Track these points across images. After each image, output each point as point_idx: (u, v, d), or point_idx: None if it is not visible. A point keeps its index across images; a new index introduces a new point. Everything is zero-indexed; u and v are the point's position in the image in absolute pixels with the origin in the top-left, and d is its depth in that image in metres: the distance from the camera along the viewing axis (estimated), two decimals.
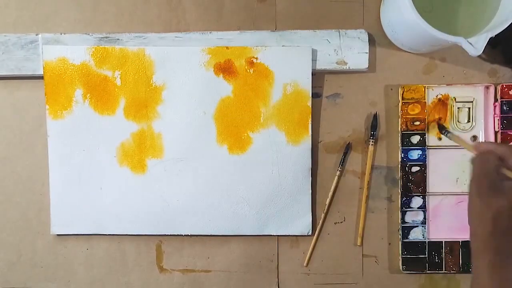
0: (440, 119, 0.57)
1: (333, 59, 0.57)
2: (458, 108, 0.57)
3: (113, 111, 0.57)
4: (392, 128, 0.58)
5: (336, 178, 0.58)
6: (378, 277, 0.58)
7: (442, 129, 0.56)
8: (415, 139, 0.57)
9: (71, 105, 0.56)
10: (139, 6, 0.58)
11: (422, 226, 0.57)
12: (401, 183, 0.57)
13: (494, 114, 0.57)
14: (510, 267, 0.41)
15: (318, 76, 0.58)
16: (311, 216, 0.58)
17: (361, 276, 0.59)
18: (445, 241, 0.57)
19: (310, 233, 0.58)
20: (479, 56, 0.57)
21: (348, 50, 0.57)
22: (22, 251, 0.59)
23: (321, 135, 0.58)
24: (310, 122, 0.57)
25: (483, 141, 0.45)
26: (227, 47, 0.56)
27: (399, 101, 0.57)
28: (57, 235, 0.59)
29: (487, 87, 0.57)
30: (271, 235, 0.58)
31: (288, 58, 0.56)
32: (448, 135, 0.55)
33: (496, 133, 0.57)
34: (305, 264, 0.59)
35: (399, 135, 0.57)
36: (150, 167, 0.57)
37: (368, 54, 0.57)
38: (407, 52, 0.58)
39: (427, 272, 0.57)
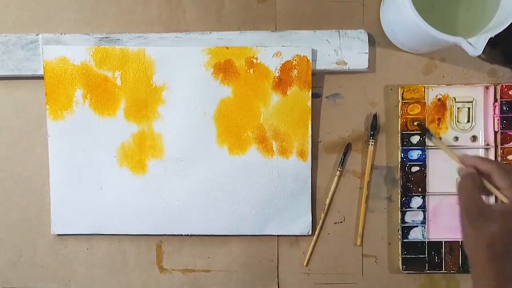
0: (424, 120, 0.56)
1: (333, 59, 0.57)
2: (458, 108, 0.57)
3: (113, 111, 0.57)
4: (392, 128, 0.58)
5: (336, 178, 0.58)
6: (378, 277, 0.59)
7: (427, 132, 0.56)
8: (415, 139, 0.57)
9: (71, 105, 0.57)
10: (139, 6, 0.58)
11: (422, 226, 0.57)
12: (401, 183, 0.57)
13: (494, 114, 0.57)
14: None
15: (318, 76, 0.58)
16: (311, 216, 0.58)
17: (361, 276, 0.59)
18: (444, 241, 0.57)
19: (310, 233, 0.58)
20: (479, 56, 0.57)
21: (348, 50, 0.57)
22: (22, 251, 0.59)
23: (321, 135, 0.58)
24: (310, 122, 0.57)
25: (469, 154, 0.47)
26: (227, 47, 0.56)
27: (399, 101, 0.57)
28: (57, 235, 0.59)
29: (486, 87, 0.57)
30: (271, 235, 0.58)
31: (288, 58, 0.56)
32: (433, 139, 0.54)
33: (495, 133, 0.57)
34: (305, 264, 0.59)
35: (399, 135, 0.57)
36: (150, 167, 0.57)
37: (368, 54, 0.57)
38: (407, 52, 0.58)
39: (427, 272, 0.57)
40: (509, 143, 0.56)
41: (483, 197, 0.44)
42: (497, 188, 0.43)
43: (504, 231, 0.40)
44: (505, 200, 0.42)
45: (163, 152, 0.57)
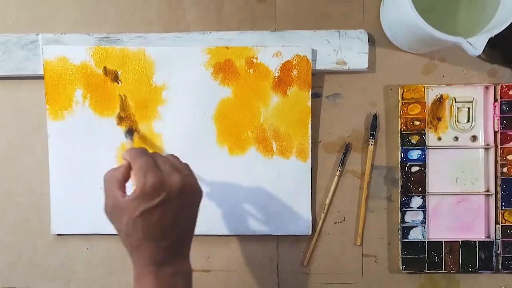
0: None
1: (333, 59, 0.57)
2: (457, 108, 0.57)
3: (113, 111, 0.57)
4: (391, 128, 0.58)
5: (336, 178, 0.58)
6: (378, 277, 0.59)
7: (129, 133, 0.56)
8: (415, 139, 0.57)
9: (71, 105, 0.56)
10: (139, 6, 0.58)
11: (422, 226, 0.57)
12: (401, 183, 0.57)
13: (494, 114, 0.57)
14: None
15: (318, 76, 0.58)
16: (311, 216, 0.58)
17: (361, 276, 0.59)
18: (444, 241, 0.57)
19: (310, 233, 0.58)
20: (479, 56, 0.57)
21: (348, 50, 0.57)
22: (22, 251, 0.59)
23: (321, 135, 0.58)
24: (310, 122, 0.57)
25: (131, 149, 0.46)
26: (227, 47, 0.56)
27: (399, 101, 0.57)
28: (57, 235, 0.59)
29: (486, 87, 0.57)
30: (271, 235, 0.58)
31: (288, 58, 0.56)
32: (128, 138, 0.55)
33: (495, 133, 0.57)
34: (305, 264, 0.59)
35: (399, 135, 0.57)
36: None
37: (367, 54, 0.57)
38: (407, 52, 0.58)
39: (427, 272, 0.57)
40: (509, 143, 0.56)
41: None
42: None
43: (132, 220, 0.41)
44: (134, 186, 0.42)
45: (163, 152, 0.57)
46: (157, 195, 0.41)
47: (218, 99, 0.57)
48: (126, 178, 0.44)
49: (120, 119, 0.57)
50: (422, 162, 0.57)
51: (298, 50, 0.56)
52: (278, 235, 0.58)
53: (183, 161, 0.57)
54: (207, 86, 0.56)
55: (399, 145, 0.57)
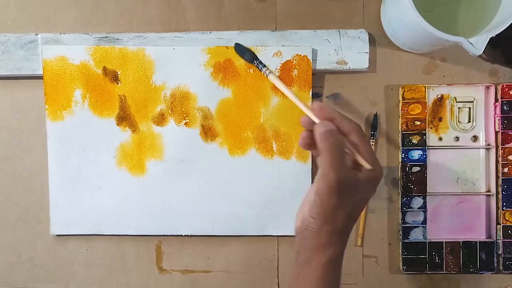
0: None
1: (333, 59, 0.56)
2: (458, 108, 0.57)
3: (112, 111, 0.57)
4: (392, 128, 0.58)
5: None
6: (379, 278, 0.58)
7: (256, 60, 0.49)
8: (416, 139, 0.57)
9: (71, 105, 0.56)
10: (139, 6, 0.58)
11: (423, 227, 0.57)
12: (402, 183, 0.57)
13: (495, 114, 0.57)
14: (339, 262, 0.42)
15: (318, 76, 0.58)
16: None
17: (361, 277, 0.58)
18: (445, 242, 0.57)
19: None
20: (480, 56, 0.57)
21: (348, 50, 0.56)
22: (21, 251, 0.59)
23: None
24: None
25: (321, 102, 0.42)
26: (227, 47, 0.56)
27: (400, 101, 0.57)
28: (57, 235, 0.58)
29: (487, 87, 0.57)
30: (271, 236, 0.58)
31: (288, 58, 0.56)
32: (269, 74, 0.47)
33: (496, 133, 0.57)
34: None
35: (400, 135, 0.57)
36: (150, 167, 0.57)
37: (368, 54, 0.56)
38: (408, 52, 0.58)
39: (428, 272, 0.57)
40: (510, 143, 0.56)
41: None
42: (357, 151, 0.41)
43: (364, 200, 0.41)
44: (368, 166, 0.40)
45: (163, 153, 0.57)
46: (378, 184, 0.41)
47: (218, 99, 0.56)
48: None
49: (120, 119, 0.57)
50: (423, 162, 0.57)
51: (298, 50, 0.56)
52: (278, 235, 0.58)
53: (183, 160, 0.57)
54: (207, 86, 0.56)
55: (400, 145, 0.57)
